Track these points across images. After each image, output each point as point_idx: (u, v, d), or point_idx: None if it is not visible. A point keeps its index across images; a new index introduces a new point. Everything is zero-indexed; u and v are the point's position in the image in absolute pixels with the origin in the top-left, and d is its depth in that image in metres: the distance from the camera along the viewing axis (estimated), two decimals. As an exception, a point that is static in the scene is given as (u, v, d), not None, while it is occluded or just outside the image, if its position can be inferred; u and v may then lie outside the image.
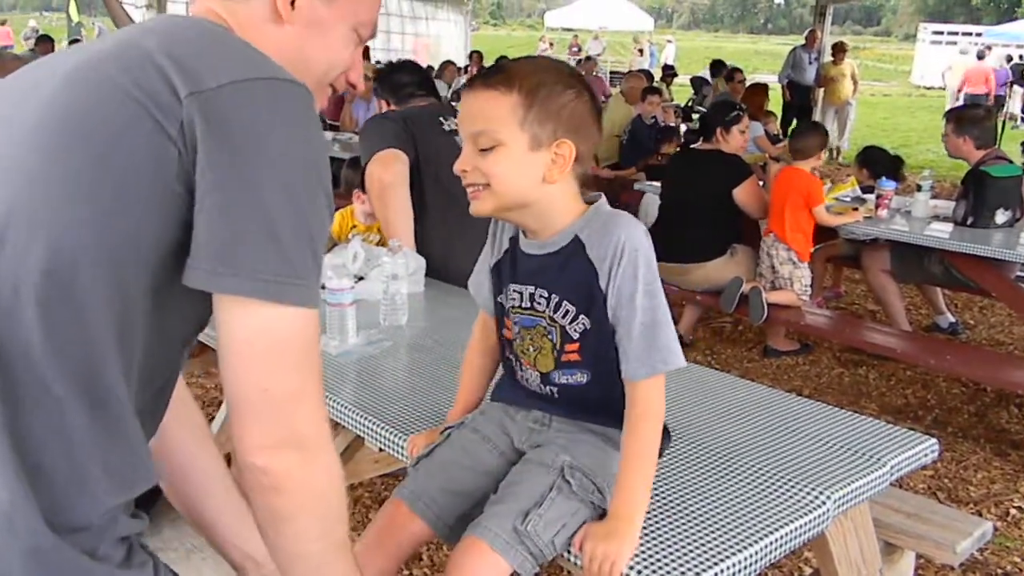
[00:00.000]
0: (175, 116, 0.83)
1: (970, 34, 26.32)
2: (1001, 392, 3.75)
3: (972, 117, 4.20)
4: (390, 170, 2.63)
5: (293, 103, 0.89)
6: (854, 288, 5.48)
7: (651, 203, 5.52)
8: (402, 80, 2.99)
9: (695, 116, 11.32)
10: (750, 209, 4.18)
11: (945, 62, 20.31)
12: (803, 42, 11.28)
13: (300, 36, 1.02)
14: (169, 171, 0.83)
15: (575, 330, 1.30)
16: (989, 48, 19.55)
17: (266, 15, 1.01)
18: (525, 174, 1.24)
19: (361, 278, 2.40)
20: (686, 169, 4.49)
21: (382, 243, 2.81)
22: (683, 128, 9.72)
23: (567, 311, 1.30)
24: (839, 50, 11.06)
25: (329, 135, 6.92)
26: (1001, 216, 3.84)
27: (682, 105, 12.19)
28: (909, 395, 3.86)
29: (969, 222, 3.85)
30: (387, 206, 2.64)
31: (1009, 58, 19.76)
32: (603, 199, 1.32)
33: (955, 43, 26.23)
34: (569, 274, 1.28)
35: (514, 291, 1.35)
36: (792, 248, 4.06)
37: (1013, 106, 16.50)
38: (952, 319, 4.76)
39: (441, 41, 15.39)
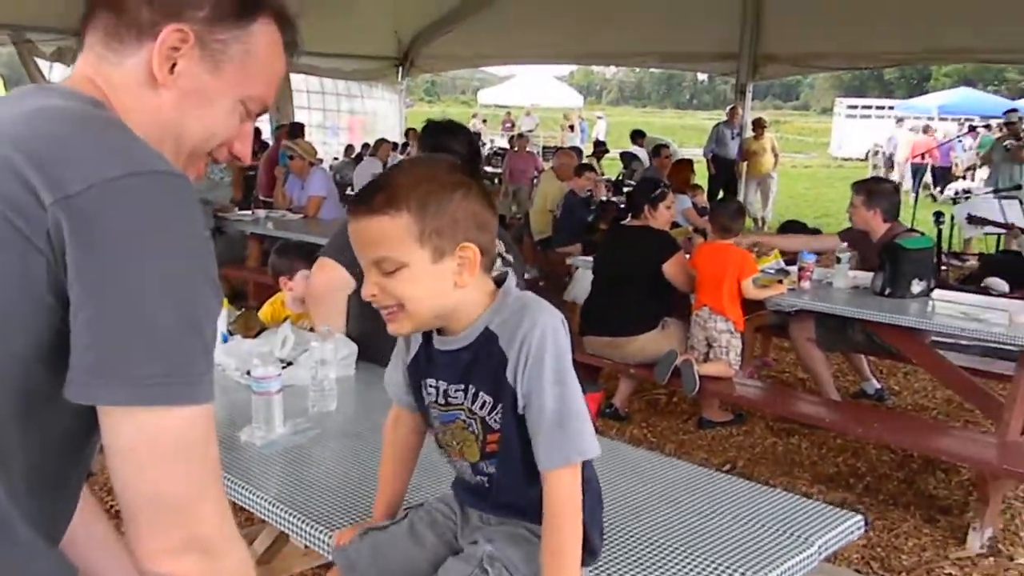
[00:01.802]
0: (41, 225, 0.80)
1: (883, 107, 27.73)
2: (927, 458, 3.84)
3: (882, 191, 4.42)
4: (329, 282, 2.61)
5: (166, 197, 0.86)
6: (784, 356, 5.59)
7: (583, 278, 5.60)
8: (451, 147, 2.74)
9: (625, 190, 11.62)
10: (678, 283, 4.27)
11: (884, 134, 21.63)
12: (726, 118, 11.71)
13: (178, 102, 0.98)
14: (39, 283, 0.81)
15: (495, 420, 1.27)
16: (930, 120, 20.87)
17: (142, 79, 0.97)
18: (436, 288, 1.23)
19: (290, 363, 2.37)
20: (616, 245, 4.59)
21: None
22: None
23: (484, 402, 1.28)
24: (759, 126, 11.52)
25: (262, 212, 6.88)
26: (916, 286, 3.98)
27: (613, 179, 12.50)
28: (840, 463, 3.93)
29: (887, 292, 3.98)
30: (316, 313, 2.62)
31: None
32: (510, 278, 1.31)
33: (869, 116, 27.63)
34: (482, 366, 1.27)
35: (430, 387, 1.34)
36: (730, 319, 4.15)
37: (926, 176, 17.40)
38: (878, 385, 4.89)
39: (377, 118, 15.54)
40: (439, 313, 1.26)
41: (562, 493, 1.22)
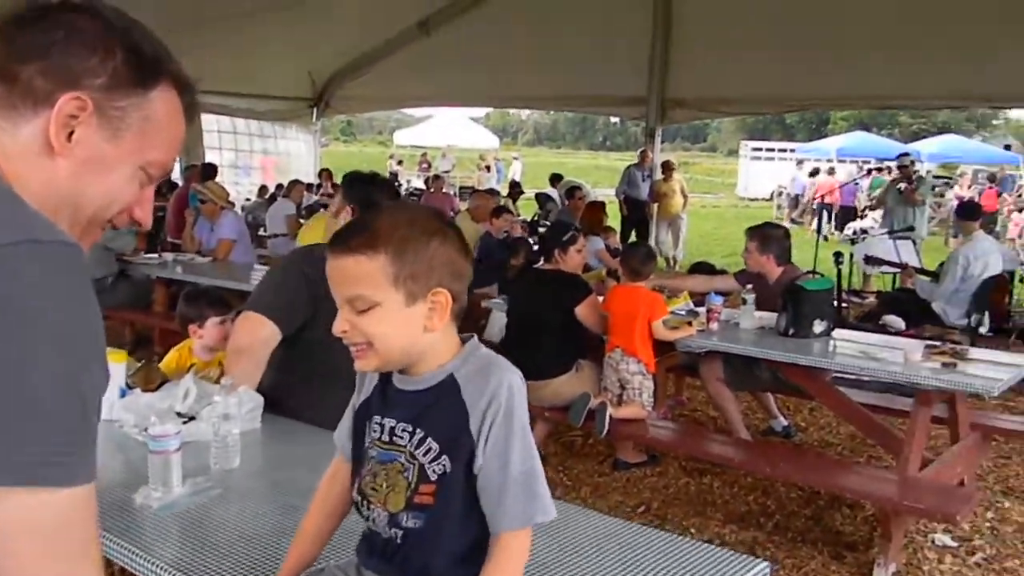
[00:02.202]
0: None
1: (785, 150, 28.89)
2: (834, 494, 3.94)
3: (774, 236, 4.59)
4: (255, 337, 2.54)
5: (55, 267, 0.83)
6: (697, 394, 5.68)
7: (498, 320, 5.61)
8: (374, 198, 2.77)
9: (541, 230, 11.76)
10: (591, 325, 4.32)
11: (787, 175, 22.62)
12: (637, 160, 12.00)
13: (75, 171, 0.95)
14: None
15: (434, 470, 1.26)
16: (829, 163, 21.94)
17: (38, 148, 0.93)
18: (406, 330, 1.25)
19: (192, 418, 2.28)
20: (529, 288, 4.63)
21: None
22: (530, 242, 10.03)
23: (430, 449, 1.26)
24: (667, 168, 11.86)
25: (170, 256, 6.69)
26: (818, 326, 4.12)
27: (528, 220, 12.63)
28: (751, 502, 3.99)
29: (791, 332, 4.11)
30: (235, 367, 2.54)
31: (816, 171, 21.80)
32: (475, 338, 1.33)
33: (772, 158, 28.76)
34: (439, 412, 1.27)
35: (376, 423, 1.33)
36: (642, 360, 4.20)
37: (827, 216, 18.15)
38: (785, 422, 5.01)
39: (290, 158, 15.36)
40: (406, 354, 1.28)
41: (516, 555, 1.23)
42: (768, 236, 4.54)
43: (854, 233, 14.31)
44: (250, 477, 2.04)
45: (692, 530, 3.66)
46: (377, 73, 12.52)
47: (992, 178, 21.06)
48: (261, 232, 9.84)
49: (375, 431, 1.33)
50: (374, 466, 1.32)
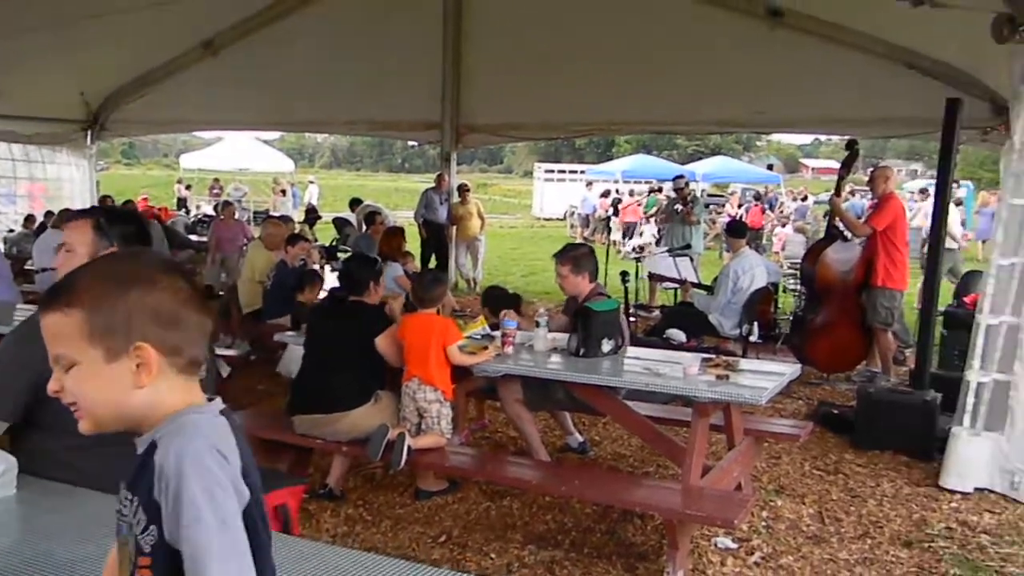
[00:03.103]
0: None
1: (575, 172, 30.23)
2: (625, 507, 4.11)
3: (585, 255, 4.70)
4: None
5: None
6: (498, 416, 5.77)
7: (295, 351, 5.43)
8: (128, 232, 2.56)
9: (340, 255, 11.56)
10: (390, 356, 4.28)
11: (578, 196, 23.70)
12: (434, 184, 12.10)
13: None
14: None
15: (146, 542, 1.15)
16: (615, 183, 23.21)
17: None
18: (110, 390, 1.17)
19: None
20: (329, 319, 4.52)
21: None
22: (328, 269, 9.84)
23: (140, 519, 1.16)
24: (464, 191, 12.06)
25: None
26: (606, 345, 4.30)
27: (326, 246, 12.39)
28: (550, 520, 4.09)
29: (581, 353, 4.26)
30: None
31: (607, 192, 22.99)
32: (205, 402, 1.23)
33: (564, 180, 29.99)
34: (145, 479, 1.16)
35: (122, 491, 1.22)
36: (439, 388, 4.19)
37: (614, 232, 19.18)
38: (580, 439, 5.20)
39: (62, 184, 14.18)
40: (119, 416, 1.19)
41: None
42: (580, 256, 4.65)
43: (634, 249, 15.21)
44: (5, 553, 1.83)
45: (492, 555, 3.69)
46: (160, 94, 11.83)
47: (758, 196, 23.07)
48: (29, 265, 8.99)
49: (120, 501, 1.23)
50: (116, 537, 1.24)
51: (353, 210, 13.72)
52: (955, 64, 7.21)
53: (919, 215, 16.74)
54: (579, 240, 19.13)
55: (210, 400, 1.25)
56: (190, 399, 1.22)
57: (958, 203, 19.55)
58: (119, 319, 1.15)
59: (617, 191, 22.87)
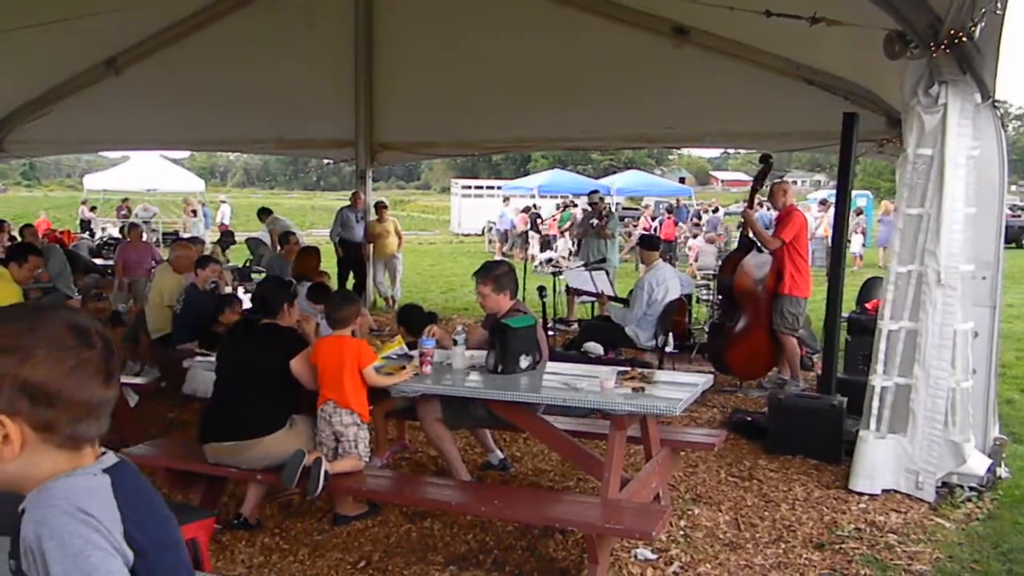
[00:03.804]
0: None
1: (492, 187, 30.38)
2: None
3: (505, 274, 4.68)
4: None
5: None
6: (418, 435, 5.70)
7: (201, 378, 5.29)
8: None
9: (254, 276, 11.31)
10: (305, 380, 4.19)
11: (496, 211, 23.80)
12: (349, 202, 11.96)
13: None
14: None
15: None
16: (532, 198, 23.41)
17: None
18: None
19: None
20: (242, 343, 4.41)
21: None
22: (241, 291, 9.61)
23: None
24: (381, 208, 11.95)
25: None
26: (524, 361, 4.31)
27: (240, 267, 12.12)
28: (471, 540, 4.06)
29: (499, 370, 4.26)
30: None
31: (528, 208, 23.17)
32: (63, 476, 1.14)
33: (481, 195, 30.09)
34: (17, 546, 1.12)
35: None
36: (355, 411, 4.12)
37: (532, 247, 19.33)
38: (501, 455, 5.18)
39: (-49, 208, 13.57)
40: None
41: None
42: (500, 275, 4.63)
43: (549, 260, 15.36)
44: None
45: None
46: (62, 113, 11.37)
47: (670, 208, 23.57)
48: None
49: None
50: None
51: (262, 220, 13.34)
52: (851, 79, 7.51)
53: (822, 226, 17.38)
54: (498, 256, 19.24)
55: (103, 455, 1.19)
56: (75, 464, 1.16)
57: (859, 212, 20.43)
58: None
59: (535, 206, 23.08)
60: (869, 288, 7.32)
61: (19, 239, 11.40)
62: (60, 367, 1.12)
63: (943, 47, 4.46)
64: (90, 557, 1.06)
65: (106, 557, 1.07)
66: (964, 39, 4.39)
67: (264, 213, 13.52)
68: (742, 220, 7.75)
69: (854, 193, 6.65)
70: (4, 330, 1.13)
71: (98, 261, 13.25)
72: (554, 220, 19.99)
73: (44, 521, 1.07)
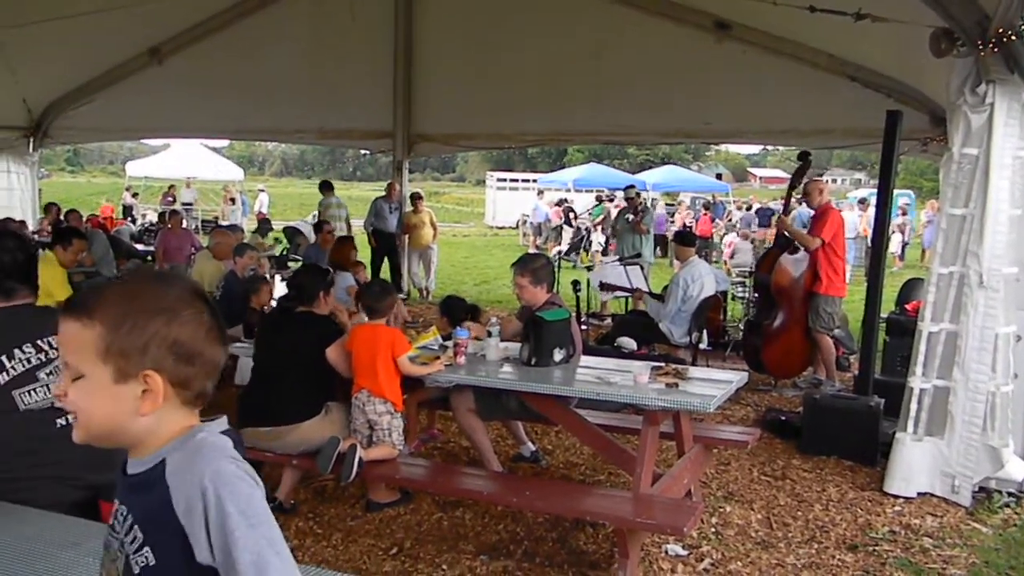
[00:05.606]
0: None
1: (528, 180, 30.32)
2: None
3: (544, 267, 4.69)
4: None
5: None
6: (450, 426, 5.74)
7: (244, 366, 5.36)
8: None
9: (291, 264, 11.42)
10: (341, 368, 4.24)
11: (530, 204, 23.74)
12: (384, 192, 12.02)
13: None
14: None
15: (137, 563, 1.16)
16: (567, 192, 23.32)
17: None
18: (111, 409, 1.17)
19: None
20: (278, 330, 4.47)
21: None
22: (278, 279, 9.72)
23: (135, 538, 1.18)
24: (417, 199, 11.99)
25: None
26: (558, 354, 4.32)
27: (277, 255, 12.23)
28: (502, 530, 4.09)
29: (533, 362, 4.27)
30: None
31: (561, 201, 23.12)
32: (203, 425, 1.22)
33: (516, 188, 30.05)
34: (149, 499, 1.17)
35: (116, 508, 1.24)
36: (389, 400, 4.17)
37: (564, 241, 19.31)
38: (533, 448, 5.20)
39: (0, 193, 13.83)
40: (113, 434, 1.19)
41: None
42: (539, 269, 4.64)
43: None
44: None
45: (444, 566, 3.68)
46: (106, 101, 11.58)
47: (707, 205, 23.40)
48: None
49: (115, 515, 1.25)
50: (104, 554, 1.24)
51: (324, 193, 13.15)
52: (895, 76, 7.40)
53: (861, 224, 17.14)
54: (532, 249, 19.22)
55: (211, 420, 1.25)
56: (190, 422, 1.22)
57: (903, 212, 20.11)
58: (136, 344, 1.16)
59: (567, 200, 23.00)
60: (909, 289, 7.22)
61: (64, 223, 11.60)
62: (200, 328, 1.20)
63: (991, 45, 4.38)
64: (255, 499, 1.14)
65: (263, 500, 1.16)
66: (1013, 37, 4.31)
67: (326, 188, 13.28)
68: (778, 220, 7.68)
69: (895, 192, 6.53)
70: (152, 291, 1.20)
71: (139, 247, 13.46)
72: (588, 214, 19.85)
73: (221, 471, 1.13)
